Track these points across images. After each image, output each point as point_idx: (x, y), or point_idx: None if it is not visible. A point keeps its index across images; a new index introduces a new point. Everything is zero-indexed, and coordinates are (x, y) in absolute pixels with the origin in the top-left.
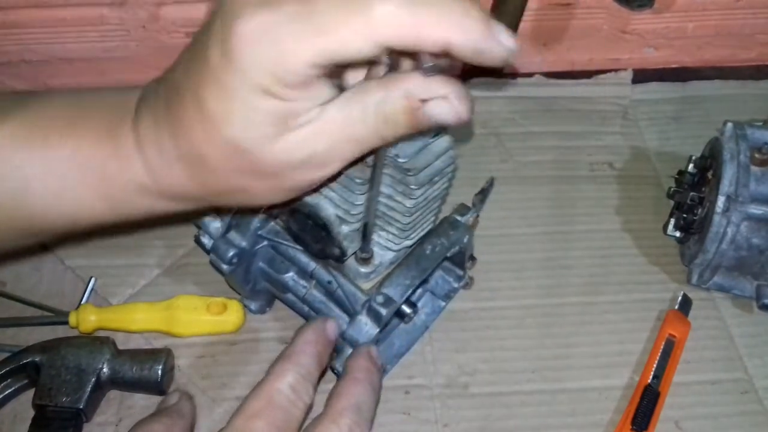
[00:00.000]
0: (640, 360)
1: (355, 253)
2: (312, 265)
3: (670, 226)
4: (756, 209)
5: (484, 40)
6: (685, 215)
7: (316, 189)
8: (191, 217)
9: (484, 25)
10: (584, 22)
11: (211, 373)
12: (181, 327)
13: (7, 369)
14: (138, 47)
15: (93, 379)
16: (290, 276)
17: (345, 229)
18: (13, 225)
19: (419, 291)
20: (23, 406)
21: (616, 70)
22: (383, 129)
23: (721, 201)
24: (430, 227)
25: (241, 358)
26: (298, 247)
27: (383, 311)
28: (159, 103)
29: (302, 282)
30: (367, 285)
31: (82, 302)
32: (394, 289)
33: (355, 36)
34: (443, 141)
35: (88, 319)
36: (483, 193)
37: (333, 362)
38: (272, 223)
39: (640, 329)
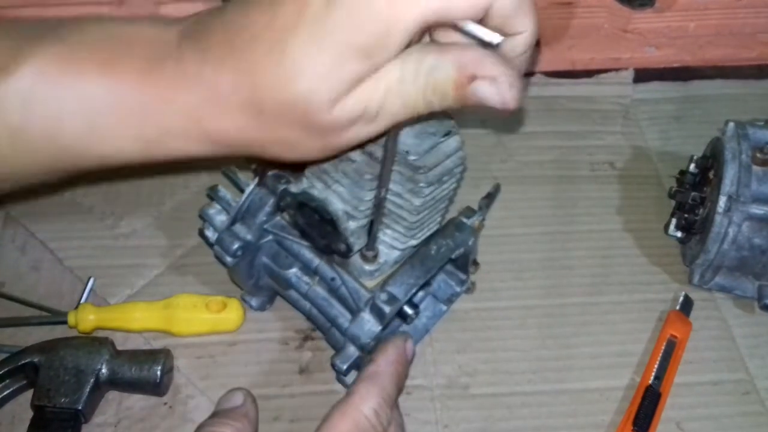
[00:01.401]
0: (641, 361)
1: (360, 250)
2: (316, 261)
3: (672, 227)
4: (757, 209)
5: None
6: (686, 215)
7: (359, 146)
8: (220, 163)
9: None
10: (585, 21)
11: (210, 374)
12: (180, 325)
13: (6, 370)
14: None
15: (92, 380)
16: (293, 272)
17: (352, 225)
18: (42, 160)
19: (421, 293)
20: (22, 407)
21: (617, 70)
22: (430, 95)
23: (722, 201)
24: (436, 228)
25: (241, 359)
26: (303, 242)
27: (387, 309)
28: (215, 42)
29: (305, 278)
30: (370, 283)
31: (81, 302)
32: (398, 287)
33: None
34: (453, 141)
35: (87, 318)
36: (489, 198)
37: (334, 359)
38: (278, 218)
39: (642, 330)
